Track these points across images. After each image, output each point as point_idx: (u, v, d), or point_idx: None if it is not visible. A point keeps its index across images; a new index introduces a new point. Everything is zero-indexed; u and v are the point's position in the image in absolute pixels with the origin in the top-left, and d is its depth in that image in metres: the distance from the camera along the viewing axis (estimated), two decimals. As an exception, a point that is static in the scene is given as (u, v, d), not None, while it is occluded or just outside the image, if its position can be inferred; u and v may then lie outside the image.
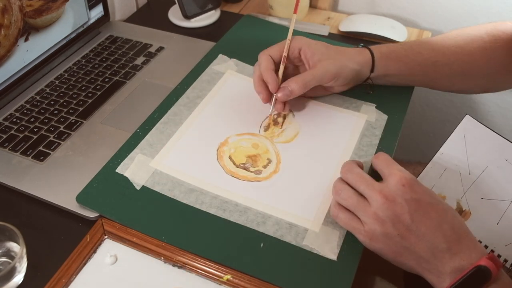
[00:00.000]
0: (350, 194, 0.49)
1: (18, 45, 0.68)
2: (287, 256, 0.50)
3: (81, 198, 0.55)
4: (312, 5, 0.97)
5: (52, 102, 0.70)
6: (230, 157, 0.60)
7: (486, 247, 0.56)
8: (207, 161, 0.60)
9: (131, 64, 0.78)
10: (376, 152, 0.61)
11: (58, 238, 0.53)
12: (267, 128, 0.65)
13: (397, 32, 0.87)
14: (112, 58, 0.79)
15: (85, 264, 0.51)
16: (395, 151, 0.63)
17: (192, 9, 0.89)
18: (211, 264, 0.50)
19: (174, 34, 0.86)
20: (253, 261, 0.50)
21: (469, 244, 0.45)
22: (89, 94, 0.71)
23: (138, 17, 0.95)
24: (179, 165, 0.59)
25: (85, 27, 0.81)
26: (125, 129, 0.65)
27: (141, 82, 0.74)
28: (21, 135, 0.64)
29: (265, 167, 0.60)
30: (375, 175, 0.51)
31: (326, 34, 0.88)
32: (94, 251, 0.52)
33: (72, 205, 0.55)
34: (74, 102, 0.70)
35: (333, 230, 0.52)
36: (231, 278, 0.49)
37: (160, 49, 0.81)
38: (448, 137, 0.58)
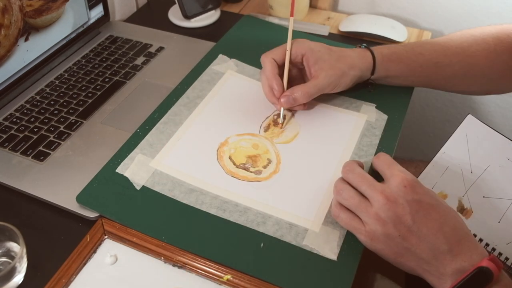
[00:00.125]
0: (352, 194, 0.49)
1: (18, 45, 0.68)
2: (287, 256, 0.50)
3: (81, 198, 0.55)
4: (312, 5, 0.97)
5: (52, 102, 0.70)
6: (230, 157, 0.60)
7: (487, 245, 0.56)
8: (207, 161, 0.60)
9: (131, 64, 0.78)
10: (376, 152, 0.61)
11: (58, 238, 0.53)
12: (267, 129, 0.65)
13: (397, 32, 0.87)
14: (112, 58, 0.79)
15: (85, 264, 0.51)
16: (395, 151, 0.63)
17: (192, 9, 0.89)
18: (211, 264, 0.50)
19: (174, 34, 0.86)
20: (253, 261, 0.50)
21: (470, 246, 0.45)
22: (89, 94, 0.71)
23: (138, 17, 0.95)
24: (179, 165, 0.59)
25: (85, 27, 0.81)
26: (125, 129, 0.65)
27: (141, 82, 0.74)
28: (21, 135, 0.64)
29: (265, 167, 0.60)
30: (376, 175, 0.51)
31: (326, 34, 0.88)
32: (94, 251, 0.52)
33: (72, 205, 0.55)
34: (74, 102, 0.70)
35: (333, 230, 0.52)
36: (231, 278, 0.49)
37: (160, 49, 0.81)
38: (450, 136, 0.59)
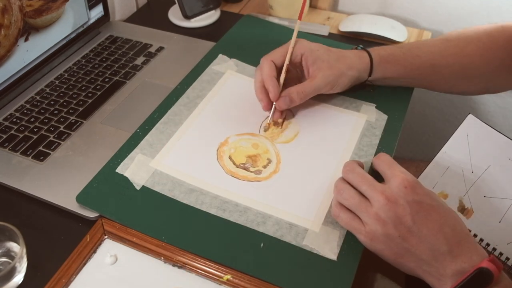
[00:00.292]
0: (352, 194, 0.49)
1: (18, 45, 0.68)
2: (287, 256, 0.50)
3: (81, 198, 0.55)
4: (312, 5, 0.97)
5: (52, 102, 0.70)
6: (230, 157, 0.60)
7: (488, 245, 0.56)
8: (207, 161, 0.60)
9: (131, 64, 0.78)
10: (376, 152, 0.61)
11: (58, 238, 0.53)
12: (267, 128, 0.65)
13: (397, 32, 0.87)
14: (112, 58, 0.79)
15: (85, 264, 0.51)
16: (395, 151, 0.63)
17: (192, 9, 0.89)
18: (211, 264, 0.50)
19: (174, 34, 0.86)
20: (253, 261, 0.50)
21: (470, 247, 0.45)
22: (89, 94, 0.71)
23: (138, 17, 0.95)
24: (179, 165, 0.59)
25: (85, 27, 0.81)
26: (125, 129, 0.65)
27: (141, 82, 0.74)
28: (21, 135, 0.64)
29: (265, 167, 0.60)
30: (376, 175, 0.51)
31: (326, 34, 0.88)
32: (94, 251, 0.52)
33: (72, 205, 0.55)
34: (74, 102, 0.70)
35: (333, 230, 0.52)
36: (231, 278, 0.49)
37: (160, 49, 0.81)
38: (451, 136, 0.59)
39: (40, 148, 0.63)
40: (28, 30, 0.69)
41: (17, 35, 0.68)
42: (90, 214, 0.55)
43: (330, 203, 0.55)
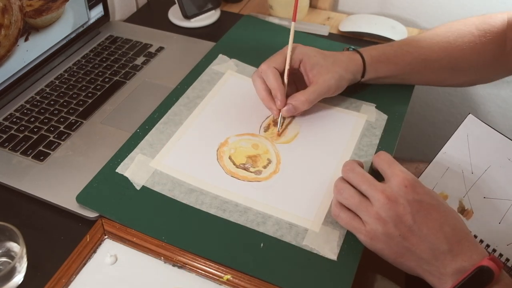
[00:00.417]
0: (352, 193, 0.49)
1: (18, 45, 0.68)
2: (287, 256, 0.50)
3: (81, 198, 0.55)
4: (312, 5, 0.97)
5: (52, 102, 0.70)
6: (230, 158, 0.60)
7: (488, 246, 0.56)
8: (207, 161, 0.60)
9: (131, 64, 0.78)
10: (376, 152, 0.61)
11: (58, 238, 0.53)
12: (267, 129, 0.65)
13: (397, 32, 0.87)
14: (112, 58, 0.79)
15: (85, 264, 0.51)
16: (395, 151, 0.63)
17: (192, 9, 0.89)
18: (211, 264, 0.50)
19: (174, 34, 0.86)
20: (253, 261, 0.50)
21: (470, 246, 0.45)
22: (89, 94, 0.71)
23: (138, 17, 0.95)
24: (179, 165, 0.59)
25: (85, 27, 0.81)
26: (125, 129, 0.65)
27: (141, 82, 0.74)
28: (21, 135, 0.64)
29: (265, 167, 0.60)
30: (376, 175, 0.51)
31: (326, 34, 0.88)
32: (94, 251, 0.52)
33: (72, 205, 0.55)
34: (74, 102, 0.70)
35: (333, 230, 0.52)
36: (231, 278, 0.49)
37: (160, 49, 0.81)
38: (451, 136, 0.58)
39: (40, 148, 0.63)
40: (28, 30, 0.69)
41: (17, 35, 0.68)
42: (90, 214, 0.55)
43: (330, 203, 0.55)
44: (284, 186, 0.57)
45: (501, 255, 0.56)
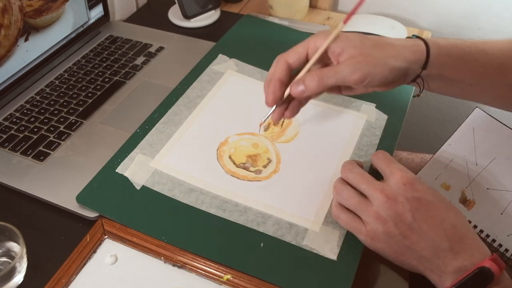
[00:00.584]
0: (351, 194, 0.49)
1: (18, 45, 0.68)
2: (287, 256, 0.50)
3: (81, 198, 0.55)
4: (312, 5, 0.97)
5: (52, 102, 0.70)
6: (230, 157, 0.60)
7: (488, 236, 0.56)
8: (207, 161, 0.60)
9: (131, 64, 0.78)
10: (376, 152, 0.61)
11: (58, 238, 0.53)
12: (267, 128, 0.65)
13: (397, 32, 0.87)
14: (112, 58, 0.79)
15: (85, 264, 0.51)
16: (395, 150, 0.63)
17: (192, 9, 0.89)
18: (211, 264, 0.50)
19: (174, 34, 0.86)
20: (253, 261, 0.50)
21: (472, 244, 0.45)
22: (89, 94, 0.71)
23: (138, 17, 0.95)
24: (179, 165, 0.59)
25: (85, 27, 0.81)
26: (125, 129, 0.65)
27: (141, 82, 0.74)
28: (21, 135, 0.64)
29: (265, 166, 0.60)
30: (375, 174, 0.51)
31: (326, 34, 0.88)
32: (94, 251, 0.52)
33: (72, 205, 0.55)
34: (74, 102, 0.70)
35: (333, 230, 0.52)
36: (231, 278, 0.49)
37: (160, 49, 0.81)
38: (457, 129, 0.58)
39: (40, 148, 0.63)
40: (28, 30, 0.69)
41: (17, 35, 0.68)
42: (90, 214, 0.55)
43: (330, 203, 0.55)
44: (284, 186, 0.57)
45: (500, 245, 0.56)
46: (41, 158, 0.61)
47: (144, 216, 0.54)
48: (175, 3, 0.90)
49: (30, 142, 0.64)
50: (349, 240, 0.51)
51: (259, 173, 0.59)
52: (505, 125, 0.56)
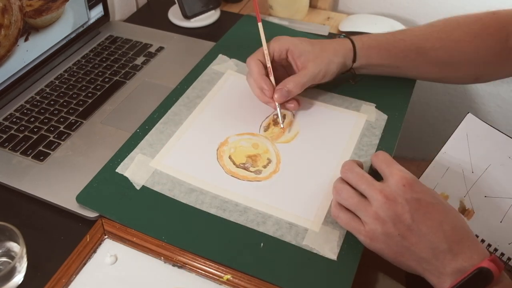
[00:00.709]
0: (351, 194, 0.49)
1: (18, 45, 0.68)
2: (287, 256, 0.50)
3: (81, 198, 0.55)
4: (312, 5, 0.97)
5: (52, 102, 0.70)
6: (230, 157, 0.60)
7: (489, 245, 0.56)
8: (207, 161, 0.60)
9: (131, 64, 0.78)
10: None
11: (58, 238, 0.53)
12: (267, 128, 0.65)
13: (397, 32, 0.86)
14: (112, 58, 0.79)
15: (85, 264, 0.51)
16: (395, 150, 0.63)
17: (192, 9, 0.89)
18: (211, 264, 0.50)
19: (174, 34, 0.86)
20: (253, 261, 0.50)
21: (471, 245, 0.45)
22: (89, 94, 0.71)
23: (138, 17, 0.95)
24: (179, 165, 0.59)
25: (85, 27, 0.81)
26: (125, 129, 0.65)
27: (141, 82, 0.74)
28: (21, 135, 0.64)
29: (265, 167, 0.60)
30: (375, 174, 0.51)
31: (326, 34, 0.88)
32: (94, 251, 0.52)
33: (72, 205, 0.55)
34: (74, 102, 0.70)
35: (333, 230, 0.52)
36: (231, 278, 0.49)
37: (160, 49, 0.81)
38: (450, 136, 0.58)
39: (40, 148, 0.63)
40: (28, 30, 0.69)
41: (17, 35, 0.68)
42: (90, 214, 0.55)
43: (330, 203, 0.55)
44: (284, 186, 0.57)
45: (502, 254, 0.55)
46: (41, 158, 0.61)
47: (144, 216, 0.54)
48: (175, 3, 0.90)
49: (30, 142, 0.64)
50: (349, 240, 0.51)
51: (259, 173, 0.59)
52: (498, 130, 0.56)
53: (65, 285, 0.49)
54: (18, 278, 0.48)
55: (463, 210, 0.57)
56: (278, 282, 0.48)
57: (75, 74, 0.76)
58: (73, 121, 0.67)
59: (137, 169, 0.59)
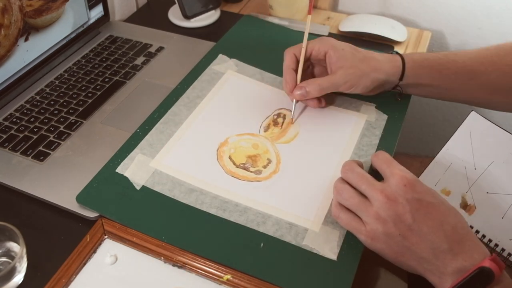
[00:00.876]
0: (352, 194, 0.49)
1: (18, 45, 0.68)
2: (287, 256, 0.50)
3: (81, 198, 0.55)
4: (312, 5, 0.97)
5: (52, 102, 0.70)
6: (230, 157, 0.60)
7: (490, 241, 0.56)
8: (207, 161, 0.60)
9: (131, 64, 0.78)
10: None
11: (58, 238, 0.53)
12: (267, 129, 0.65)
13: (397, 32, 0.87)
14: (112, 58, 0.79)
15: (85, 264, 0.51)
16: (395, 150, 0.63)
17: (192, 9, 0.89)
18: (211, 264, 0.50)
19: (174, 34, 0.86)
20: (253, 261, 0.50)
21: (471, 245, 0.45)
22: (89, 94, 0.71)
23: (138, 17, 0.95)
24: (179, 165, 0.59)
25: (85, 27, 0.81)
26: (125, 129, 0.65)
27: (141, 82, 0.74)
28: (21, 135, 0.64)
29: (265, 167, 0.60)
30: (375, 175, 0.51)
31: (326, 34, 0.88)
32: (94, 251, 0.52)
33: (72, 205, 0.55)
34: (74, 102, 0.70)
35: (333, 230, 0.52)
36: (231, 278, 0.49)
37: (160, 49, 0.81)
38: (454, 133, 0.59)
39: (40, 148, 0.63)
40: (28, 30, 0.69)
41: (17, 35, 0.68)
42: (90, 214, 0.55)
43: (330, 203, 0.55)
44: (284, 186, 0.57)
45: (503, 249, 0.56)
46: (41, 158, 0.61)
47: (144, 216, 0.54)
48: (175, 3, 0.90)
49: (30, 142, 0.64)
50: (349, 240, 0.51)
51: (259, 174, 0.59)
52: (501, 128, 0.57)
53: (65, 285, 0.49)
54: (18, 278, 0.48)
55: (465, 206, 0.57)
56: (278, 282, 0.48)
57: (75, 74, 0.76)
58: (73, 121, 0.67)
59: (137, 169, 0.59)
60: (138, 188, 0.57)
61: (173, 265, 0.51)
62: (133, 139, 0.62)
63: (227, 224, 0.53)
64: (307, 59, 0.65)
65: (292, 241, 0.52)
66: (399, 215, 0.46)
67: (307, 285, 0.48)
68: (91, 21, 0.83)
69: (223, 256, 0.50)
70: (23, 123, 0.66)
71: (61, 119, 0.67)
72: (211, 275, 0.50)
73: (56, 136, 0.64)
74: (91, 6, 0.81)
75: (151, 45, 0.82)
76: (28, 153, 0.62)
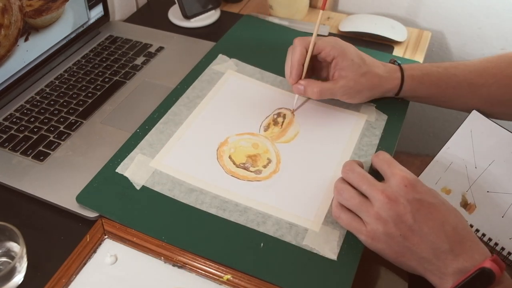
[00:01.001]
0: (352, 194, 0.49)
1: (18, 45, 0.68)
2: (287, 256, 0.50)
3: (81, 198, 0.55)
4: (312, 5, 0.97)
5: (52, 102, 0.70)
6: (230, 157, 0.60)
7: (490, 239, 0.56)
8: (207, 161, 0.60)
9: (131, 64, 0.78)
10: (376, 152, 0.61)
11: (58, 238, 0.53)
12: (267, 128, 0.65)
13: (397, 32, 0.87)
14: (112, 58, 0.79)
15: (85, 264, 0.51)
16: (395, 150, 0.63)
17: (192, 9, 0.89)
18: (211, 264, 0.50)
19: (174, 34, 0.86)
20: (253, 261, 0.50)
21: (472, 245, 0.45)
22: (89, 94, 0.71)
23: (138, 17, 0.95)
24: (179, 165, 0.59)
25: (85, 27, 0.81)
26: (125, 129, 0.65)
27: (141, 82, 0.74)
28: (21, 135, 0.64)
29: (265, 167, 0.60)
30: (376, 174, 0.51)
31: (326, 34, 0.88)
32: (94, 251, 0.52)
33: (72, 205, 0.55)
34: (74, 102, 0.70)
35: (333, 230, 0.52)
36: (231, 278, 0.49)
37: (160, 49, 0.81)
38: (454, 132, 0.59)
39: (40, 148, 0.63)
40: (28, 30, 0.69)
41: (17, 35, 0.68)
42: (90, 214, 0.55)
43: (330, 203, 0.55)
44: (284, 186, 0.57)
45: (503, 248, 0.56)
46: (41, 158, 0.61)
47: (144, 216, 0.54)
48: (175, 3, 0.90)
49: (30, 142, 0.64)
50: (349, 240, 0.51)
51: (259, 173, 0.59)
52: (502, 127, 0.57)
53: (65, 285, 0.49)
54: (18, 278, 0.48)
55: (465, 205, 0.57)
56: (278, 282, 0.48)
57: (75, 74, 0.76)
58: (73, 121, 0.67)
59: (137, 169, 0.59)
60: (138, 188, 0.57)
61: (173, 265, 0.51)
62: (133, 139, 0.62)
63: (227, 224, 0.53)
64: (314, 56, 0.65)
65: (292, 241, 0.52)
66: (400, 215, 0.46)
67: (307, 285, 0.48)
68: (91, 21, 0.83)
69: (223, 256, 0.50)
70: (23, 123, 0.66)
71: (61, 119, 0.67)
72: (211, 275, 0.50)
73: (56, 136, 0.64)
74: (91, 6, 0.81)
75: (151, 45, 0.82)
76: (28, 153, 0.62)
